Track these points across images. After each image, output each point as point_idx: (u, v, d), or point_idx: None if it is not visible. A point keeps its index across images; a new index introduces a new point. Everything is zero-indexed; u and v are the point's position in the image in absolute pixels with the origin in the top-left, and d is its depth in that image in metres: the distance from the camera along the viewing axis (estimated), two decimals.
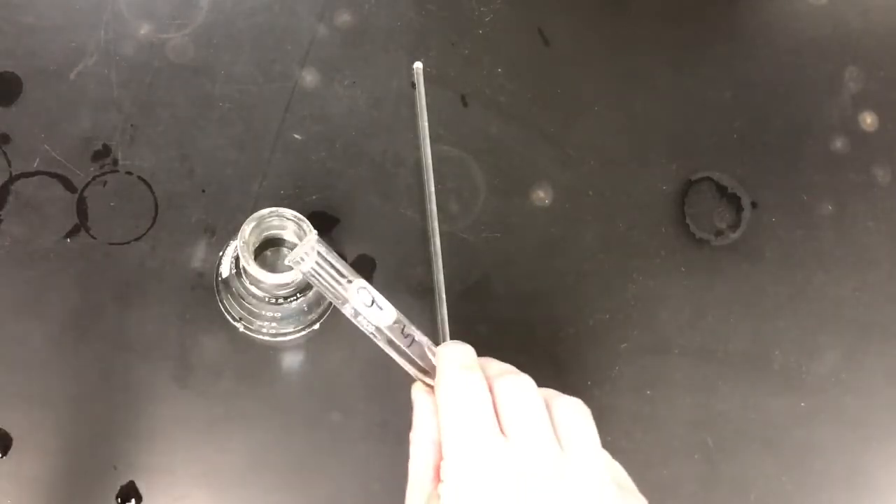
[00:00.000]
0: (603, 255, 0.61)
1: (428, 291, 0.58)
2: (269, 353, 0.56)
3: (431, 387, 0.43)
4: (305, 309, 0.53)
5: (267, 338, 0.54)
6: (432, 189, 0.59)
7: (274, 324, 0.53)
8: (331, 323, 0.55)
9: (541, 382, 0.45)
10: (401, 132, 0.61)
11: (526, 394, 0.39)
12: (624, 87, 0.64)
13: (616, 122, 0.63)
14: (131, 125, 0.59)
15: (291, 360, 0.57)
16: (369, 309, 0.44)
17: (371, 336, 0.44)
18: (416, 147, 0.60)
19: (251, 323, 0.53)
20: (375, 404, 0.56)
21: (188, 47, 0.61)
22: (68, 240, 0.56)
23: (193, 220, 0.58)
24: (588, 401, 0.48)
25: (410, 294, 0.58)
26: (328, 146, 0.60)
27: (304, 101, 0.61)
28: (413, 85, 0.61)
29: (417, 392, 0.42)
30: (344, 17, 0.63)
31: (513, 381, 0.39)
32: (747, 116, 0.65)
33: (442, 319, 0.57)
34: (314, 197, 0.59)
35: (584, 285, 0.59)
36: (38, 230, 0.56)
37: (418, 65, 0.61)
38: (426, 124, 0.60)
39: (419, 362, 0.44)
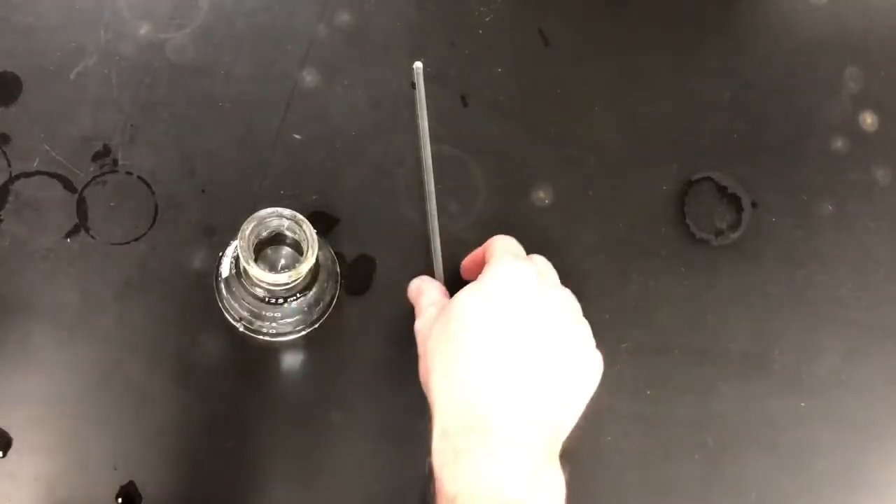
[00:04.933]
0: (603, 255, 0.61)
1: None
2: (269, 353, 0.56)
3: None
4: (305, 309, 0.53)
5: (267, 338, 0.54)
6: (432, 188, 0.59)
7: (274, 324, 0.53)
8: (331, 323, 0.55)
9: None
10: (401, 132, 0.61)
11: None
12: (624, 87, 0.64)
13: (616, 122, 0.63)
14: (131, 125, 0.59)
15: (291, 360, 0.57)
16: None
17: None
18: (417, 147, 0.60)
19: (251, 323, 0.53)
20: (375, 404, 0.56)
21: (188, 47, 0.61)
22: (68, 240, 0.56)
23: (193, 220, 0.58)
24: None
25: None
26: (328, 146, 0.60)
27: (304, 101, 0.61)
28: (413, 85, 0.61)
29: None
30: (344, 17, 0.63)
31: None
32: (747, 116, 0.65)
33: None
34: (314, 197, 0.59)
35: (584, 285, 0.59)
36: (38, 230, 0.56)
37: (418, 64, 0.60)
38: (426, 124, 0.60)
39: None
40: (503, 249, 0.51)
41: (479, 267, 0.51)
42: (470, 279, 0.51)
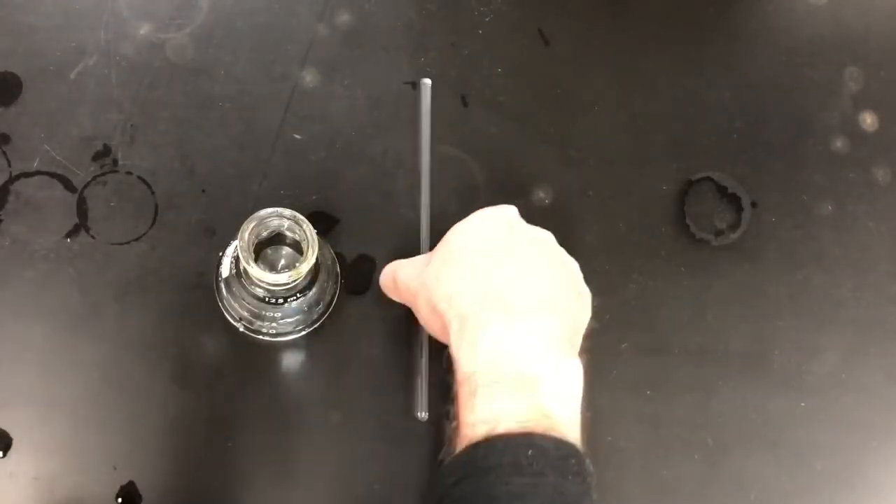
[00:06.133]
0: (603, 255, 0.61)
1: None
2: (269, 353, 0.56)
3: None
4: (305, 309, 0.53)
5: (267, 338, 0.54)
6: (427, 197, 0.59)
7: (274, 324, 0.53)
8: (331, 323, 0.55)
9: None
10: (401, 132, 0.61)
11: None
12: (624, 87, 0.64)
13: (616, 122, 0.63)
14: (131, 125, 0.59)
15: (291, 360, 0.57)
16: None
17: None
18: (416, 147, 0.60)
19: (251, 323, 0.53)
20: (375, 404, 0.56)
21: (188, 47, 0.61)
22: (68, 240, 0.56)
23: (193, 220, 0.58)
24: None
25: None
26: (328, 146, 0.60)
27: (304, 101, 0.61)
28: (413, 87, 0.61)
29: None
30: (344, 17, 0.63)
31: None
32: (747, 116, 0.65)
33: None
34: (314, 197, 0.59)
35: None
36: (38, 230, 0.56)
37: (426, 81, 0.61)
38: (427, 140, 0.60)
39: None
40: None
41: None
42: None
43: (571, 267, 0.51)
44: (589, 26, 0.65)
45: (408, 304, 0.54)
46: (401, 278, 0.53)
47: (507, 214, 0.52)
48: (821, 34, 0.67)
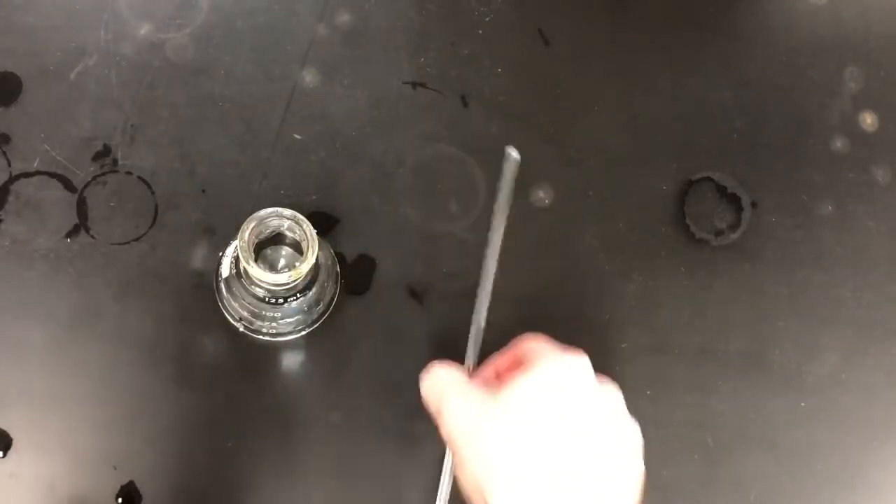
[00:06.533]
0: (603, 255, 0.61)
1: (426, 291, 0.58)
2: (269, 353, 0.56)
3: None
4: (305, 309, 0.53)
5: (267, 338, 0.54)
6: (489, 287, 0.52)
7: (274, 324, 0.53)
8: (331, 323, 0.55)
9: None
10: (401, 132, 0.61)
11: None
12: (624, 87, 0.64)
13: (616, 122, 0.63)
14: (131, 125, 0.59)
15: (291, 360, 0.57)
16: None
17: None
18: (416, 147, 0.60)
19: (251, 323, 0.53)
20: (375, 404, 0.56)
21: (188, 47, 0.61)
22: (68, 240, 0.57)
23: (193, 220, 0.58)
24: None
25: (410, 293, 0.58)
26: (328, 146, 0.60)
27: (304, 101, 0.61)
28: (413, 87, 0.61)
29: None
30: (344, 17, 0.63)
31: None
32: (747, 116, 0.65)
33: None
34: (314, 197, 0.59)
35: (584, 285, 0.60)
36: (38, 230, 0.56)
37: (514, 156, 0.49)
38: (502, 225, 0.52)
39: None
40: (546, 345, 0.49)
41: (515, 367, 0.48)
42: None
43: (632, 447, 0.48)
44: (589, 26, 0.65)
45: (448, 445, 0.49)
46: (446, 420, 0.46)
47: (576, 377, 0.46)
48: (821, 34, 0.67)
